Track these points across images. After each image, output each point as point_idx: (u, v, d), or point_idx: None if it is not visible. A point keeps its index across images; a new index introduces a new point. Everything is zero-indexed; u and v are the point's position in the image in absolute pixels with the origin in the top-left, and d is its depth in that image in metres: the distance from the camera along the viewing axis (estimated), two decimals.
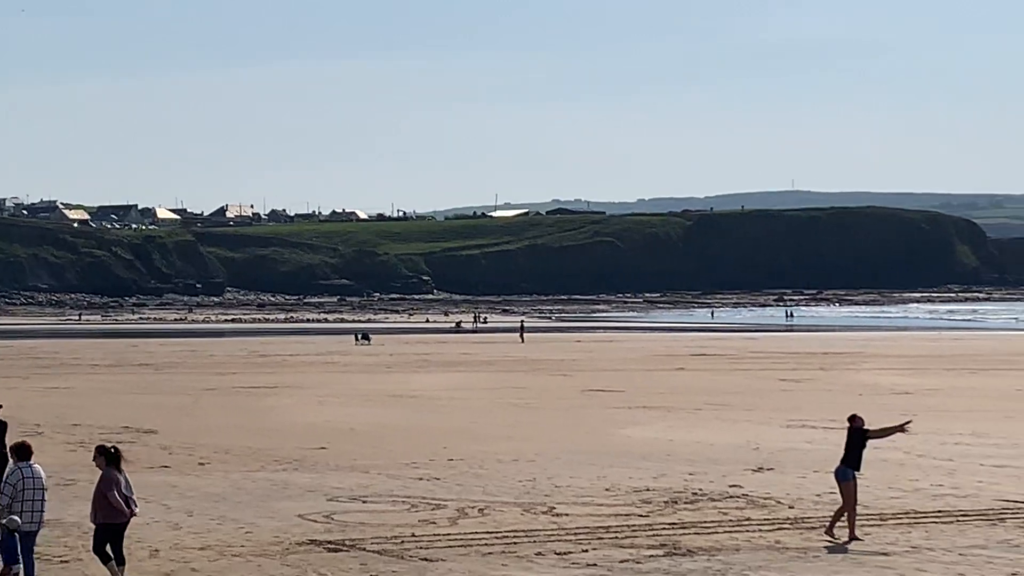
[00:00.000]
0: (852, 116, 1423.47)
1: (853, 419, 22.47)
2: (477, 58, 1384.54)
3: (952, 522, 23.31)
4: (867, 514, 23.34)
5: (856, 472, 22.12)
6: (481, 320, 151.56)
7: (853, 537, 21.64)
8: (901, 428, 22.69)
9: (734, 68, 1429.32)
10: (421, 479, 28.80)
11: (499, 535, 22.11)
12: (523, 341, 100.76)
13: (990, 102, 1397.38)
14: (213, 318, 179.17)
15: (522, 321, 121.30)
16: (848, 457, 22.18)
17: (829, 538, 21.66)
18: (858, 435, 22.21)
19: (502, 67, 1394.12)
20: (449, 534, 22.23)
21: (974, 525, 23.00)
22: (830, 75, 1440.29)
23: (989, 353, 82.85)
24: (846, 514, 21.93)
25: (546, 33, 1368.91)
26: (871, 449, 32.65)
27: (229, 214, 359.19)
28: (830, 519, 22.23)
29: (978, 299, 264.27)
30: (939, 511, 24.40)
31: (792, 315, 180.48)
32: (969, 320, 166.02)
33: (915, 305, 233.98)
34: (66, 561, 20.10)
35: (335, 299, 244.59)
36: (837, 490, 22.30)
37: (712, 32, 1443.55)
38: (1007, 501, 25.48)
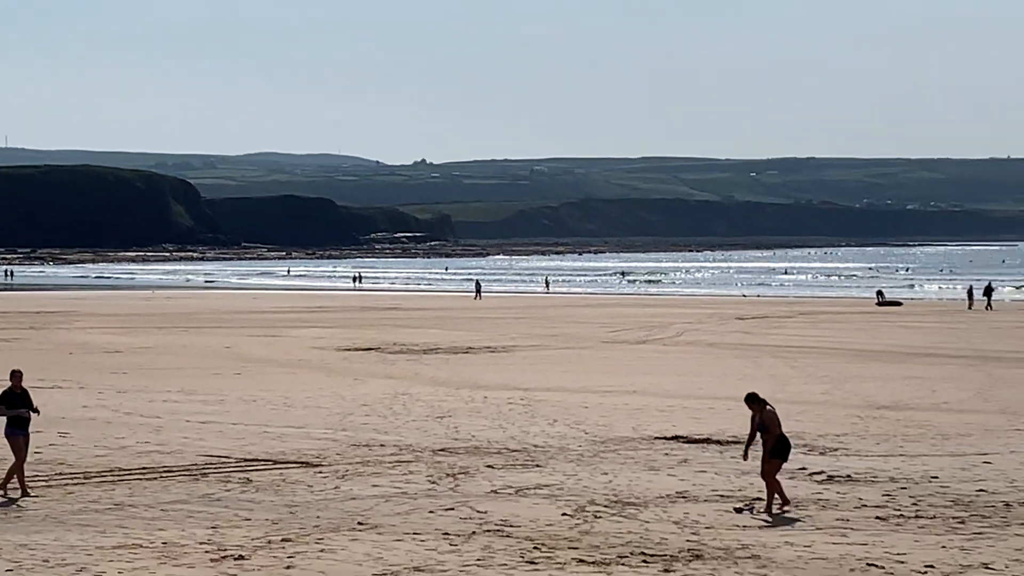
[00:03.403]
0: (63, 74, 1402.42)
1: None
2: None
3: (156, 478, 23.45)
4: (71, 472, 23.10)
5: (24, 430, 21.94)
6: None
7: (25, 493, 21.48)
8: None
9: None
10: None
11: None
12: None
13: (189, 61, 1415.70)
14: None
15: None
16: (16, 419, 21.94)
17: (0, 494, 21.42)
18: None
19: None
20: None
21: (177, 480, 23.24)
22: (50, 31, 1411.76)
23: (200, 311, 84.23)
24: (17, 472, 21.76)
25: None
26: (79, 408, 32.36)
27: None
28: (4, 478, 21.93)
29: (193, 258, 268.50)
30: (144, 467, 24.48)
31: (11, 275, 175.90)
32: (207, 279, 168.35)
33: (132, 265, 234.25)
34: None
35: None
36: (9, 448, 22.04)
37: None
38: (210, 456, 25.94)
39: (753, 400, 21.14)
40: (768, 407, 21.08)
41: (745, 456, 21.79)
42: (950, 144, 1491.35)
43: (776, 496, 20.75)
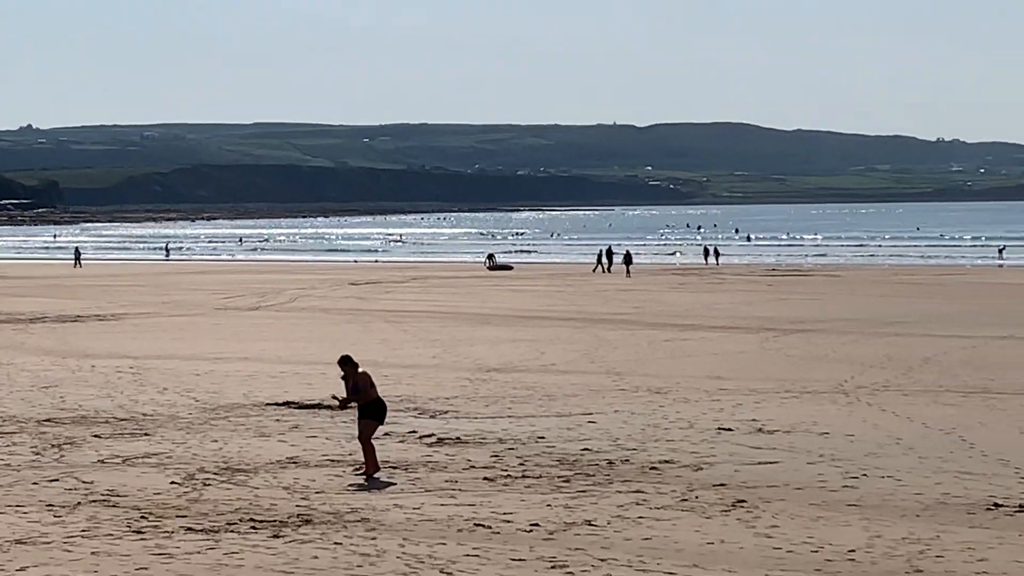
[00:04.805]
0: None
1: None
2: None
3: None
4: None
5: None
6: None
7: None
8: None
9: None
10: None
11: None
12: None
13: None
14: None
15: None
16: None
17: None
18: None
19: None
20: None
21: None
22: None
23: None
24: None
25: None
26: None
27: None
28: None
29: None
30: None
31: None
32: None
33: None
34: None
35: None
36: None
37: None
38: None
39: (345, 363, 21.18)
40: (361, 370, 21.12)
41: (342, 405, 21.41)
42: (558, 111, 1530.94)
43: (367, 459, 20.79)
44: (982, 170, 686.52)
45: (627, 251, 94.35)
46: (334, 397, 21.14)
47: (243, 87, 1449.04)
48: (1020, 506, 18.43)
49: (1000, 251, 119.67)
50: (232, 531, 17.07)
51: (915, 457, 22.15)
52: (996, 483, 20.00)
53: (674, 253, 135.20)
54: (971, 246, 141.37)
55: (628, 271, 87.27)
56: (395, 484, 20.18)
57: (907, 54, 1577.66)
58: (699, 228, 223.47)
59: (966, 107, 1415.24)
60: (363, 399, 20.92)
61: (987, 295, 63.90)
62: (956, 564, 15.58)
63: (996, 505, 18.53)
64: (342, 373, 21.22)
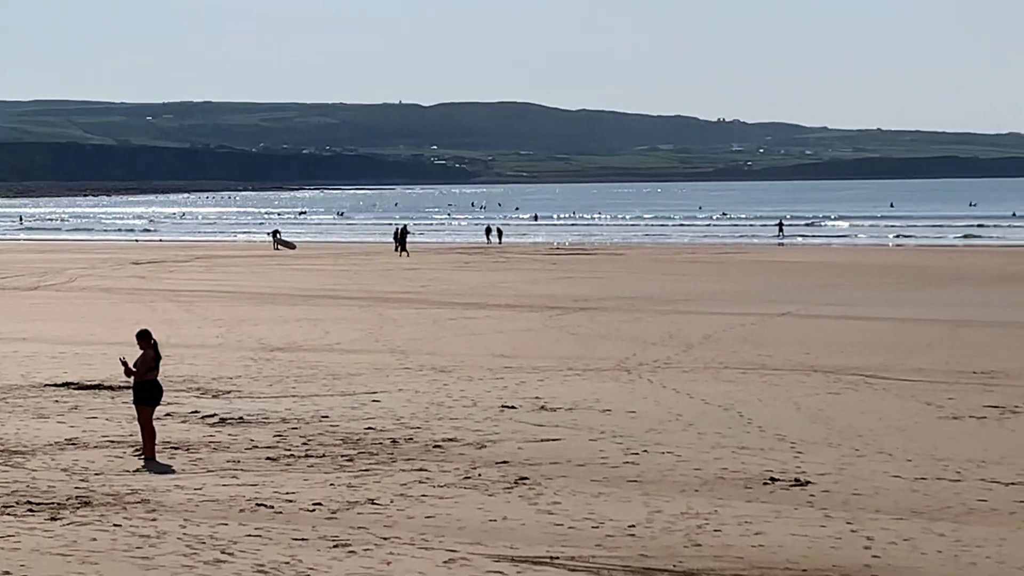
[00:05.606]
0: None
1: None
2: None
3: None
4: None
5: None
6: None
7: None
8: None
9: None
10: None
11: None
12: None
13: None
14: None
15: None
16: None
17: None
18: None
19: None
20: None
21: None
22: None
23: None
24: None
25: None
26: None
27: None
28: None
29: None
30: None
31: None
32: None
33: None
34: None
35: None
36: None
37: None
38: None
39: (140, 337, 20.83)
40: (148, 351, 20.67)
41: (126, 372, 20.85)
42: (344, 89, 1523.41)
43: (147, 441, 20.44)
44: (761, 150, 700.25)
45: (404, 227, 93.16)
46: (122, 361, 20.78)
47: (21, 64, 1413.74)
48: (796, 480, 18.89)
49: (780, 227, 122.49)
50: (9, 514, 16.72)
51: (694, 433, 22.57)
52: (773, 458, 20.48)
53: (447, 232, 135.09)
54: (751, 225, 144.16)
55: (404, 249, 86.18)
56: (176, 465, 19.94)
57: (688, 35, 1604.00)
58: (482, 207, 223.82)
59: (746, 88, 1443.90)
60: (136, 376, 20.57)
61: (766, 273, 65.26)
62: (733, 538, 15.91)
63: (772, 479, 18.97)
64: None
